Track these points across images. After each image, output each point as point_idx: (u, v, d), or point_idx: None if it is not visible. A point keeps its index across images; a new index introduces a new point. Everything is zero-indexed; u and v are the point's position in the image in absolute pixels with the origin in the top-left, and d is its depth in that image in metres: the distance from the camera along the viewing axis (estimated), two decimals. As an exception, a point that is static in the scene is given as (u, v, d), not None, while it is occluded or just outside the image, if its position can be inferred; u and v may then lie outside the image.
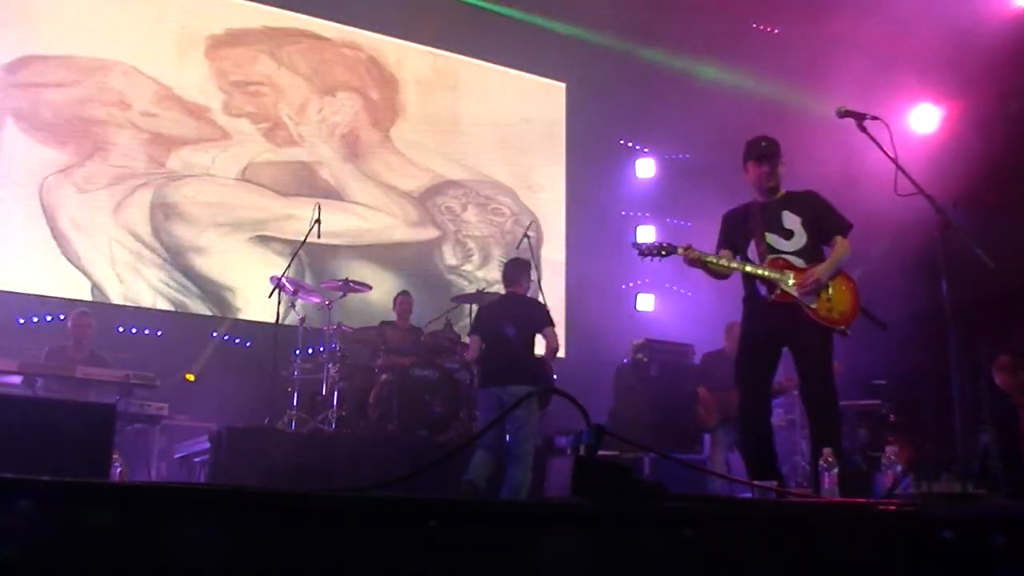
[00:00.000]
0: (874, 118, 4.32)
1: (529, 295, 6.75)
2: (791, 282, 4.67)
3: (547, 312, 6.56)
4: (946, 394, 4.43)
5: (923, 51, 7.56)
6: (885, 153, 4.26)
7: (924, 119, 8.55)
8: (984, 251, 4.18)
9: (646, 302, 11.25)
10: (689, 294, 11.01)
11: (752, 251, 4.82)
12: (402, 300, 8.16)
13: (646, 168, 11.58)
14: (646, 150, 11.62)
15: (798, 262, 4.73)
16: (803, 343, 4.68)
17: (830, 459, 3.90)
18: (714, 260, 4.73)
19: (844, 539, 2.14)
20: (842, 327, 4.61)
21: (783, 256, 4.75)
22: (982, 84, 7.33)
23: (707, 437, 7.81)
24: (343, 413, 7.01)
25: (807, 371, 4.66)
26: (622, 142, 11.58)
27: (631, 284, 11.25)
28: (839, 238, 4.82)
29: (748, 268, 4.73)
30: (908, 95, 8.20)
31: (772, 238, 4.78)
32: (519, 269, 6.56)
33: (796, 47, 8.72)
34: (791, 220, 4.83)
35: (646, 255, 4.78)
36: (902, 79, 7.76)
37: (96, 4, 9.12)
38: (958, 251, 4.25)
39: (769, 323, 4.73)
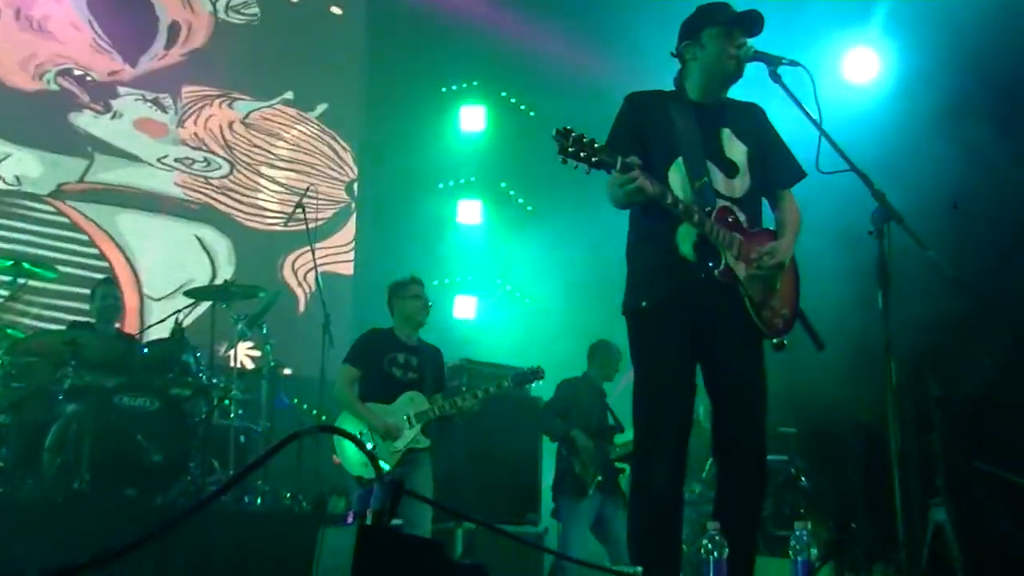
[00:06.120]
0: (792, 63, 4.33)
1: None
2: (735, 254, 4.32)
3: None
4: (881, 450, 4.34)
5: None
6: (806, 113, 4.25)
7: (860, 66, 8.81)
8: (939, 254, 4.19)
9: (466, 307, 11.32)
10: (527, 300, 11.01)
11: (676, 181, 4.37)
12: (104, 291, 7.91)
13: (474, 119, 11.65)
14: (475, 84, 11.70)
15: (742, 219, 4.41)
16: (735, 351, 4.40)
17: (717, 537, 3.86)
18: (669, 201, 4.18)
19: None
20: (781, 337, 4.45)
21: (727, 205, 4.38)
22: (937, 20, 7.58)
23: (563, 501, 7.92)
24: (1, 463, 6.79)
25: (736, 395, 4.41)
26: (444, 89, 11.69)
27: (446, 281, 11.31)
28: (789, 193, 4.65)
29: (695, 218, 4.22)
30: (841, 35, 8.42)
31: (711, 171, 4.39)
32: None
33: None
34: (735, 147, 4.49)
35: (570, 150, 4.02)
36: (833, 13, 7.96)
37: None
38: (904, 253, 4.24)
39: (696, 314, 4.33)
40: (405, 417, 6.83)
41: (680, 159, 4.35)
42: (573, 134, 4.00)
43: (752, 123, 4.61)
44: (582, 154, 4.00)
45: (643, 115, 4.49)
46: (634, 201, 4.22)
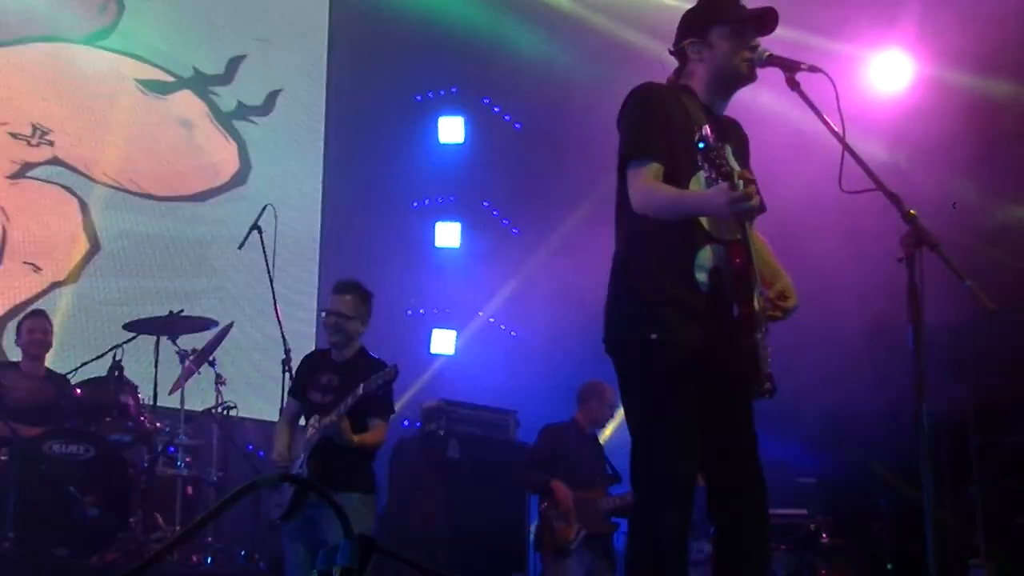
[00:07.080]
0: (813, 69, 4.22)
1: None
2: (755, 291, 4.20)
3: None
4: (912, 503, 4.37)
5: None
6: (827, 125, 4.12)
7: (890, 72, 8.68)
8: (979, 285, 4.00)
9: (444, 341, 11.26)
10: (514, 333, 10.93)
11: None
12: (32, 324, 7.92)
13: (452, 130, 11.55)
14: (453, 90, 11.66)
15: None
16: (735, 400, 4.27)
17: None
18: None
19: None
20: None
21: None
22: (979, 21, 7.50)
23: (545, 560, 7.88)
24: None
25: (734, 446, 4.29)
26: (419, 97, 11.72)
27: (421, 311, 11.34)
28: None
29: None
30: (868, 37, 8.32)
31: None
32: None
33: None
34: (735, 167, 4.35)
35: (712, 155, 3.95)
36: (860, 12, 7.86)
37: None
38: (939, 283, 4.08)
39: (707, 354, 4.18)
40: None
41: (702, 172, 4.13)
42: (716, 140, 3.95)
43: (742, 145, 4.54)
44: (718, 161, 3.90)
45: (671, 112, 4.29)
46: (746, 219, 4.04)
